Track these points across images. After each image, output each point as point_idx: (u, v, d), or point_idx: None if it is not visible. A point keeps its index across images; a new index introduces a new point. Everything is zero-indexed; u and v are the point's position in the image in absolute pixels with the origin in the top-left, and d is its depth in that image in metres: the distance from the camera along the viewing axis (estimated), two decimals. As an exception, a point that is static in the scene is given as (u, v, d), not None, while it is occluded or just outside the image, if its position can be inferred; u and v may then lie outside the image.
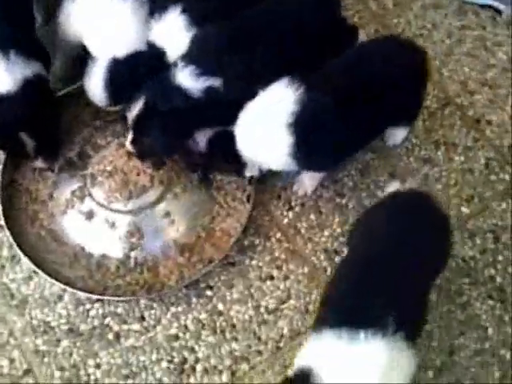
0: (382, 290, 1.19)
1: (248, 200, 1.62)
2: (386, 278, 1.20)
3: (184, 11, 1.54)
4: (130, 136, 1.56)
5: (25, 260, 1.56)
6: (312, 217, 1.63)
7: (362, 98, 1.42)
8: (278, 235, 1.61)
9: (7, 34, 1.51)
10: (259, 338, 1.49)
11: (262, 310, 1.52)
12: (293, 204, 1.65)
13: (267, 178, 1.65)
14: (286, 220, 1.63)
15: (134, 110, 1.52)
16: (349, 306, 1.19)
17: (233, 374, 1.45)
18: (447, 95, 1.79)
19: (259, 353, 1.48)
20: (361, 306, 1.18)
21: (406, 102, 1.54)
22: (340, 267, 1.36)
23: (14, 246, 1.58)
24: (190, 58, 1.50)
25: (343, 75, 1.47)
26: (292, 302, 1.53)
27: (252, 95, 1.44)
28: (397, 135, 1.68)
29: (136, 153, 1.57)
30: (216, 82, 1.47)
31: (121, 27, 1.56)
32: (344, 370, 1.11)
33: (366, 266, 1.25)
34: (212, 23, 1.52)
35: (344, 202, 1.65)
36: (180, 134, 1.54)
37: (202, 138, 1.55)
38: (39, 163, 1.61)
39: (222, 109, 1.49)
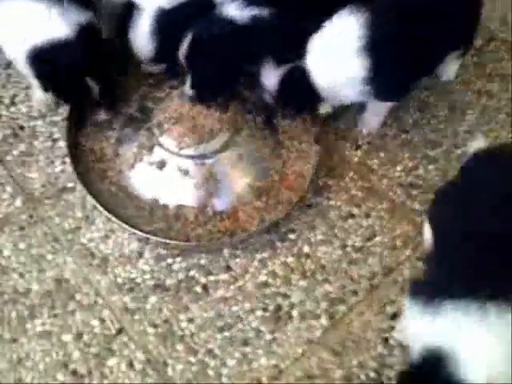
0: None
1: (316, 142, 1.23)
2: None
3: None
4: (188, 81, 1.17)
5: (100, 219, 1.16)
6: (381, 154, 1.24)
7: (423, 22, 1.08)
8: (351, 174, 1.22)
9: None
10: (351, 278, 1.11)
11: (349, 249, 1.14)
12: (360, 143, 1.26)
13: (331, 120, 1.27)
14: (356, 159, 1.24)
15: (184, 45, 1.14)
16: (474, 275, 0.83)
17: (331, 316, 1.07)
18: (490, 30, 1.41)
19: (354, 293, 1.09)
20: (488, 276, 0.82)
21: (464, 28, 1.18)
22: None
23: (87, 206, 1.18)
24: None
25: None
26: (378, 238, 1.15)
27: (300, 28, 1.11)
28: (450, 69, 1.30)
29: (196, 96, 1.17)
30: (263, 12, 1.11)
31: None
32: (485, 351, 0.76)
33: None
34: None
35: (409, 137, 1.26)
36: (233, 68, 1.16)
37: (272, 77, 1.15)
38: (102, 115, 1.20)
39: (272, 40, 1.13)
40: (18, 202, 1.18)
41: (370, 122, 1.25)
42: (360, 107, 1.24)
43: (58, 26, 1.08)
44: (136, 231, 1.09)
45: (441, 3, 1.11)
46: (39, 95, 1.27)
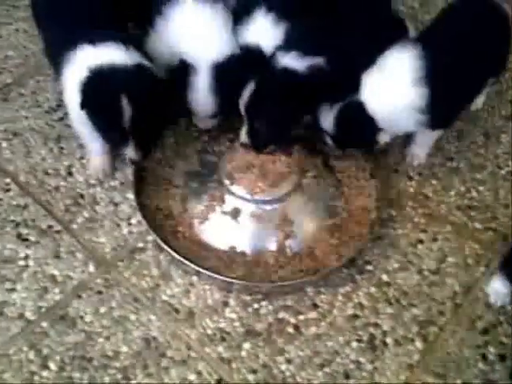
0: None
1: (371, 176, 1.29)
2: None
3: (270, 10, 1.24)
4: (244, 128, 1.22)
5: (177, 274, 1.17)
6: (434, 182, 1.31)
7: (471, 51, 1.20)
8: (410, 203, 1.28)
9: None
10: (435, 300, 1.14)
11: (426, 272, 1.17)
12: (411, 175, 1.33)
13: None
14: (411, 189, 1.30)
15: (245, 96, 1.19)
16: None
17: (425, 339, 1.09)
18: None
19: (441, 313, 1.12)
20: None
21: (500, 55, 1.30)
22: None
23: (162, 263, 1.18)
24: (290, 44, 1.21)
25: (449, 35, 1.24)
26: (450, 259, 1.19)
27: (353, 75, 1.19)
28: (478, 98, 1.40)
29: (253, 144, 1.22)
30: (319, 61, 1.19)
31: (215, 32, 1.24)
32: None
33: None
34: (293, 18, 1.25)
35: (455, 164, 1.34)
36: (292, 116, 1.21)
37: (329, 117, 1.22)
38: (130, 152, 1.16)
39: (329, 87, 1.19)
40: (91, 268, 1.17)
41: (419, 153, 1.32)
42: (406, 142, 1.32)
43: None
44: (219, 276, 1.11)
45: (484, 32, 1.22)
46: (95, 162, 1.30)
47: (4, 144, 1.37)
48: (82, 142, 1.31)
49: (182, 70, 1.23)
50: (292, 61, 1.18)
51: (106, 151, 1.29)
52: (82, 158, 1.34)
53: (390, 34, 1.23)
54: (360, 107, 1.18)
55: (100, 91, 1.10)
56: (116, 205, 1.27)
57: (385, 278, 1.17)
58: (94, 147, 1.28)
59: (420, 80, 1.14)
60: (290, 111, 1.20)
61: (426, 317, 1.11)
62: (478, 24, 1.24)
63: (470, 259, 1.19)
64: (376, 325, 1.10)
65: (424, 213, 1.26)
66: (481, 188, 1.30)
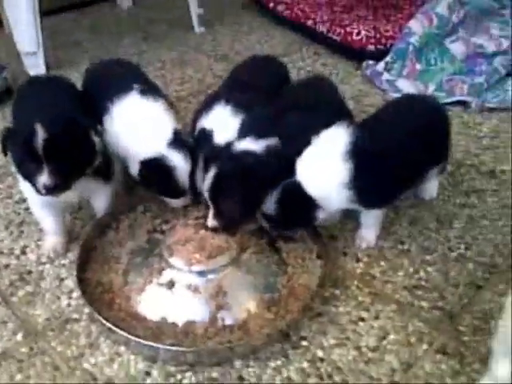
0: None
1: (318, 257, 1.28)
2: None
3: (227, 102, 1.36)
4: (210, 213, 1.25)
5: (105, 344, 1.13)
6: (382, 263, 1.28)
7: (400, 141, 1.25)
8: (356, 283, 1.24)
9: None
10: (370, 377, 1.05)
11: (364, 349, 1.10)
12: (359, 256, 1.30)
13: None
14: (358, 270, 1.27)
15: (208, 181, 1.24)
16: None
17: (355, 417, 0.99)
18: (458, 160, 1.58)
19: (376, 391, 1.03)
20: None
21: (439, 148, 1.35)
22: None
23: (93, 333, 1.15)
24: (245, 131, 1.29)
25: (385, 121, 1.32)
26: (391, 336, 1.12)
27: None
28: (431, 188, 1.43)
29: (221, 226, 1.24)
30: (273, 141, 1.26)
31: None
32: None
33: None
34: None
35: (405, 247, 1.32)
36: (258, 197, 1.24)
37: (269, 201, 1.24)
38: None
39: (286, 165, 1.23)
40: (19, 337, 1.16)
41: (367, 236, 1.31)
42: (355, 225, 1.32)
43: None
44: (144, 341, 1.06)
45: (418, 125, 1.28)
46: (48, 242, 1.35)
47: (-33, 226, 1.44)
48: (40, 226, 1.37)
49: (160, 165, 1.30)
50: (249, 144, 1.25)
51: (60, 232, 1.35)
52: (38, 240, 1.39)
53: (334, 119, 1.29)
54: (297, 186, 1.21)
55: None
56: (61, 280, 1.29)
57: (320, 353, 1.10)
58: (48, 227, 1.34)
59: (348, 156, 1.17)
60: (253, 190, 1.22)
61: (359, 394, 1.02)
62: (415, 117, 1.31)
63: (413, 337, 1.11)
64: (304, 400, 1.02)
65: (369, 292, 1.22)
66: (430, 269, 1.26)
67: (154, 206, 1.42)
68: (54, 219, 1.33)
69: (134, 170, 1.33)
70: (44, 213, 1.32)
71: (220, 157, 1.25)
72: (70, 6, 2.79)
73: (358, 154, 1.18)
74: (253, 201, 1.24)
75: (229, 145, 1.28)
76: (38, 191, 1.15)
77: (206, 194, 1.25)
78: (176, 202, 1.37)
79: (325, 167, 1.20)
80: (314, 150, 1.22)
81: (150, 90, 1.43)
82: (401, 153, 1.22)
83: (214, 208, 1.24)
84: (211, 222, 1.24)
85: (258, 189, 1.22)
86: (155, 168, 1.29)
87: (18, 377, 1.08)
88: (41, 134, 1.12)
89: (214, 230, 1.24)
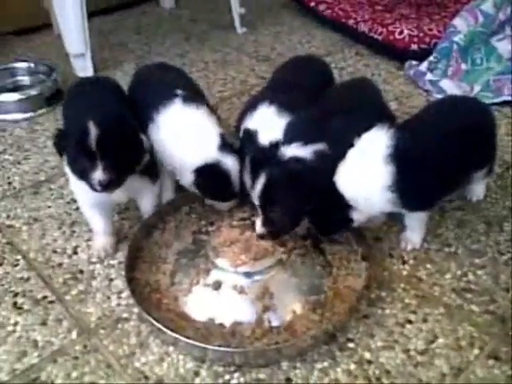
0: None
1: (363, 259, 1.27)
2: None
3: (271, 103, 1.37)
4: (258, 220, 1.26)
5: (155, 344, 1.16)
6: (428, 266, 1.27)
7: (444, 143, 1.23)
8: (402, 285, 1.23)
9: None
10: (420, 380, 1.05)
11: (413, 352, 1.09)
12: (405, 259, 1.30)
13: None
14: (404, 272, 1.26)
15: (257, 188, 1.25)
16: None
17: (405, 420, 0.99)
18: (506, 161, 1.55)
19: (426, 395, 1.02)
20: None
21: (485, 150, 1.33)
22: None
23: (142, 333, 1.18)
24: (292, 137, 1.29)
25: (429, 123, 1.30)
26: (440, 340, 1.11)
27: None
28: (478, 189, 1.41)
29: (270, 232, 1.24)
30: (321, 147, 1.26)
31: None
32: None
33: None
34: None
35: (453, 250, 1.31)
36: (307, 204, 1.23)
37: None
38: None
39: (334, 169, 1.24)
40: (74, 335, 1.19)
41: (412, 238, 1.30)
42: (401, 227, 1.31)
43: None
44: (193, 342, 1.08)
45: (462, 126, 1.25)
46: (98, 242, 1.38)
47: (24, 228, 1.49)
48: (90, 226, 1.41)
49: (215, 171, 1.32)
50: (297, 150, 1.25)
51: (109, 232, 1.38)
52: (89, 239, 1.43)
53: (376, 121, 1.28)
54: (333, 189, 1.21)
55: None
56: (111, 280, 1.32)
57: (367, 355, 1.10)
58: (98, 227, 1.38)
59: (390, 159, 1.17)
60: (303, 198, 1.22)
61: (409, 397, 1.02)
62: (459, 118, 1.29)
63: (463, 341, 1.10)
64: (352, 403, 1.02)
65: (416, 294, 1.21)
66: (479, 272, 1.24)
67: (199, 207, 1.44)
68: (103, 219, 1.36)
69: (187, 179, 1.34)
70: (93, 212, 1.35)
71: (269, 162, 1.26)
72: (114, 8, 2.84)
73: (400, 157, 1.17)
74: (302, 208, 1.24)
75: (274, 146, 1.29)
76: (92, 188, 1.19)
77: (256, 201, 1.26)
78: (224, 205, 1.39)
79: (366, 170, 1.19)
80: (355, 152, 1.22)
81: (194, 96, 1.45)
82: (443, 155, 1.21)
83: (264, 215, 1.25)
84: (260, 229, 1.25)
85: (308, 196, 1.22)
86: (211, 174, 1.30)
87: (74, 374, 1.11)
88: (94, 131, 1.15)
89: (262, 237, 1.25)
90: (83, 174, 1.20)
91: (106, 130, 1.16)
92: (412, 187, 1.18)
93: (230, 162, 1.32)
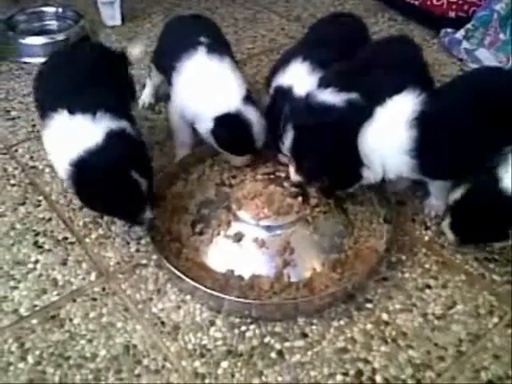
0: None
1: (385, 221, 1.26)
2: None
3: (305, 59, 1.34)
4: (291, 168, 1.25)
5: (172, 291, 1.16)
6: (452, 233, 1.26)
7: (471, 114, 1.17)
8: (424, 250, 1.22)
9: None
10: (436, 344, 1.04)
11: (430, 316, 1.09)
12: (428, 224, 1.29)
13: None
14: (426, 238, 1.25)
15: (287, 138, 1.23)
16: None
17: (418, 382, 0.98)
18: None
19: (441, 359, 1.02)
20: None
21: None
22: None
23: (160, 279, 1.19)
24: (326, 83, 1.26)
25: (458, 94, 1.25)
26: (459, 307, 1.10)
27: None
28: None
29: (304, 179, 1.24)
30: (353, 96, 1.22)
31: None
32: None
33: None
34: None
35: (478, 219, 1.29)
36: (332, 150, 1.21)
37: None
38: (148, 214, 1.19)
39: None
40: (92, 277, 1.20)
41: (436, 204, 1.28)
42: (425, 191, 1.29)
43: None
44: (212, 292, 1.08)
45: (491, 98, 1.20)
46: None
47: (47, 170, 1.49)
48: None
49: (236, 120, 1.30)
50: (329, 96, 1.22)
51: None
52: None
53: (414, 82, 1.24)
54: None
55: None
56: (130, 226, 1.32)
57: (384, 317, 1.09)
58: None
59: (413, 124, 1.14)
60: (330, 146, 1.19)
61: (424, 360, 1.02)
62: (489, 90, 1.23)
63: (483, 309, 1.09)
64: (366, 361, 1.02)
65: (437, 260, 1.20)
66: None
67: (222, 161, 1.43)
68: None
69: (206, 126, 1.32)
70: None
71: (300, 109, 1.23)
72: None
73: (423, 123, 1.14)
74: (331, 156, 1.21)
75: (309, 96, 1.26)
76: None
77: (287, 149, 1.24)
78: (241, 160, 1.37)
79: (387, 131, 1.17)
80: (382, 112, 1.19)
81: (222, 46, 1.43)
82: (468, 127, 1.16)
83: (296, 163, 1.23)
84: (294, 177, 1.24)
85: (335, 145, 1.19)
86: (230, 124, 1.28)
87: (92, 314, 1.12)
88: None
89: (297, 185, 1.25)
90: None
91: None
92: (432, 155, 1.15)
93: (252, 113, 1.30)
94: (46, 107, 1.23)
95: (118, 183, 1.13)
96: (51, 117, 1.18)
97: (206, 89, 1.31)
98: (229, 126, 1.28)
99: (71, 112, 1.16)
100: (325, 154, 1.19)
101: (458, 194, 1.14)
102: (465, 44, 1.92)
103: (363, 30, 1.56)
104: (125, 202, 1.16)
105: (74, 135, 1.14)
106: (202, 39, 1.39)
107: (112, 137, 1.14)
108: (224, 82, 1.33)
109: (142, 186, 1.15)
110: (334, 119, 1.18)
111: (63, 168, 1.15)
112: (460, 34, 1.95)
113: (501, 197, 1.08)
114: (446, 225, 1.19)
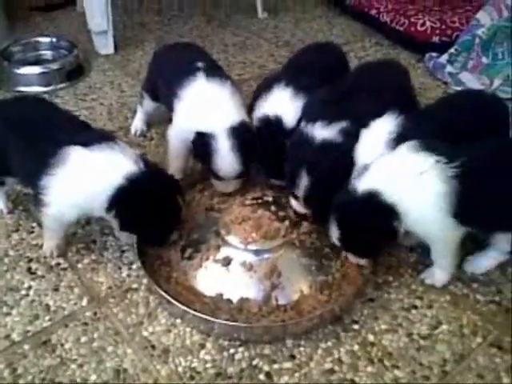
0: None
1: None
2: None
3: (287, 85, 1.39)
4: (294, 201, 1.29)
5: (163, 315, 1.18)
6: (437, 254, 1.28)
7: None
8: (410, 271, 1.25)
9: None
10: (421, 364, 1.06)
11: (416, 336, 1.11)
12: (414, 247, 1.30)
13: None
14: (412, 259, 1.28)
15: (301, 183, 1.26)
16: None
17: (404, 401, 1.00)
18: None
19: (427, 378, 1.03)
20: None
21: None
22: None
23: (151, 304, 1.21)
24: (312, 116, 1.29)
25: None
26: (444, 326, 1.12)
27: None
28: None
29: (313, 213, 1.28)
30: (344, 124, 1.26)
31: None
32: None
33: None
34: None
35: (462, 240, 1.32)
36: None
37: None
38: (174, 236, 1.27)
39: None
40: (85, 302, 1.22)
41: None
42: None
43: None
44: (201, 315, 1.10)
45: (471, 119, 1.25)
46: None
47: (40, 197, 1.51)
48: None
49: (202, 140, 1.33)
50: (323, 130, 1.25)
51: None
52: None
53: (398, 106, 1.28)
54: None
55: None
56: (122, 252, 1.34)
57: (371, 337, 1.11)
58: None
59: (389, 145, 1.18)
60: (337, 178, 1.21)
61: (409, 380, 1.03)
62: (469, 111, 1.28)
63: (467, 329, 1.11)
64: (353, 382, 1.04)
65: (422, 281, 1.22)
66: (487, 263, 1.25)
67: (212, 186, 1.45)
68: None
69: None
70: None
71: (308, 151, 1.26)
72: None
73: (399, 143, 1.17)
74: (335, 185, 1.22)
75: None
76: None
77: (302, 194, 1.27)
78: (226, 186, 1.39)
79: (369, 152, 1.20)
80: (366, 134, 1.23)
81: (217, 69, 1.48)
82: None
83: (313, 207, 1.27)
84: (299, 209, 1.29)
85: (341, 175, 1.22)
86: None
87: (83, 339, 1.14)
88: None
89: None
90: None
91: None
92: None
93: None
94: None
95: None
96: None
97: (207, 110, 1.35)
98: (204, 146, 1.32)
99: None
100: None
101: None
102: (449, 68, 1.96)
103: (342, 58, 1.61)
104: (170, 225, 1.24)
105: None
106: (200, 64, 1.43)
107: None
108: (223, 104, 1.36)
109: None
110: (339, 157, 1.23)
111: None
112: (444, 58, 2.00)
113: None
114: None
